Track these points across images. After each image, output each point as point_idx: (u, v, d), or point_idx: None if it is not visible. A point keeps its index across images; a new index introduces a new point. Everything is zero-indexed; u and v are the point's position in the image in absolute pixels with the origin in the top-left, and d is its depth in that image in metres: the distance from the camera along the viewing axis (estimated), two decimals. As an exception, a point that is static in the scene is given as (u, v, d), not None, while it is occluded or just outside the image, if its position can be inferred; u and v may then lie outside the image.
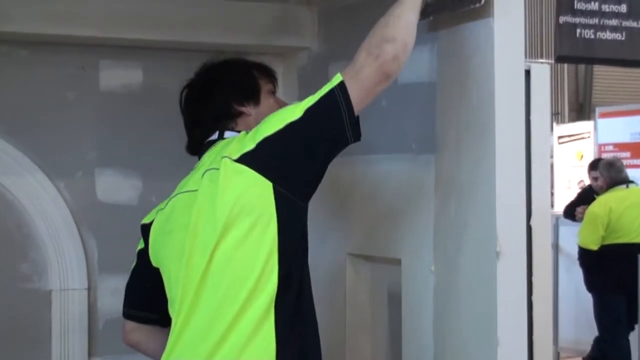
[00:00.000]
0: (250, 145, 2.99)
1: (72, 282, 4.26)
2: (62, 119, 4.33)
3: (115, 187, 4.42)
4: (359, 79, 3.11)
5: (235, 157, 2.99)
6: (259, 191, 2.94)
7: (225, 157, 3.02)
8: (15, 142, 4.21)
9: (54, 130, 4.31)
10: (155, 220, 3.37)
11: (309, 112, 3.07)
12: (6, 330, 4.21)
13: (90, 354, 4.29)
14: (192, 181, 3.29)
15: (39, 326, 4.23)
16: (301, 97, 4.58)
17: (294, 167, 3.02)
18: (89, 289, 4.30)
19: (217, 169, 3.05)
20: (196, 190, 3.14)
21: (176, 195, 3.32)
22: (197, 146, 3.54)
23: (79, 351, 4.26)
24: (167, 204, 3.34)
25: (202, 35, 4.32)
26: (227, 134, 3.32)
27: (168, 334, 3.08)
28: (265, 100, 3.45)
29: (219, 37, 4.37)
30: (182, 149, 4.48)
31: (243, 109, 3.36)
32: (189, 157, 4.52)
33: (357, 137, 3.13)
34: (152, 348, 3.41)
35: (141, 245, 3.45)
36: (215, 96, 3.43)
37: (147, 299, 3.43)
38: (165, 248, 3.25)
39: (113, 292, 4.36)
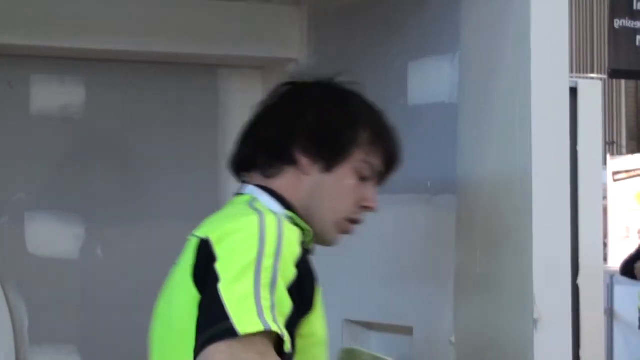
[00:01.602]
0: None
1: (-5, 355, 4.26)
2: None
3: (50, 235, 4.41)
4: None
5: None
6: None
7: (196, 237, 2.94)
8: None
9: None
10: None
11: None
12: None
13: None
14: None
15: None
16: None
17: None
18: (16, 363, 4.29)
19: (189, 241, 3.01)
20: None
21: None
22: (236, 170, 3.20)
23: None
24: None
25: (160, 43, 4.34)
26: (248, 189, 3.08)
27: None
28: (344, 175, 3.01)
29: (180, 46, 4.38)
30: (135, 188, 4.49)
31: (304, 161, 2.96)
32: (148, 195, 4.53)
33: None
34: None
35: None
36: (283, 121, 2.98)
37: None
38: None
39: (46, 372, 4.36)
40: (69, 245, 4.45)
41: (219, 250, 2.76)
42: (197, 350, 2.62)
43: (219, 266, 2.72)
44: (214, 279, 2.68)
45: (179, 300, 2.97)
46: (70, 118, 4.45)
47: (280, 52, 4.51)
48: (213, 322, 2.60)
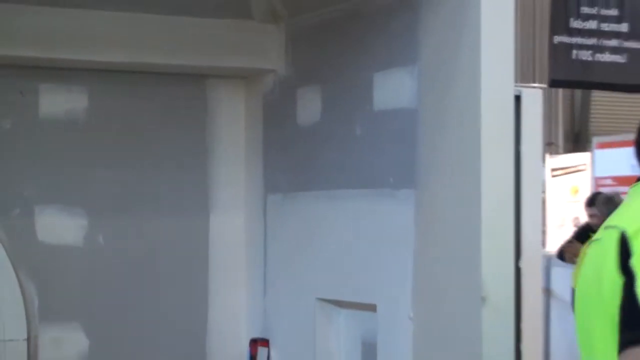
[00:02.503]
0: None
1: (10, 332, 4.25)
2: (-3, 151, 4.33)
3: (57, 226, 4.41)
4: None
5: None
6: None
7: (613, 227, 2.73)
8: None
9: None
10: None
11: None
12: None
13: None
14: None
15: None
16: (266, 126, 4.63)
17: None
18: (28, 339, 4.28)
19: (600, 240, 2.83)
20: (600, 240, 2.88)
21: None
22: None
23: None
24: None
25: (156, 55, 4.33)
26: None
27: None
28: None
29: (172, 58, 4.39)
30: (133, 184, 4.50)
31: None
32: (144, 191, 4.54)
33: None
34: None
35: None
36: None
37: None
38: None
39: (55, 343, 4.36)
40: (73, 235, 4.45)
41: (635, 246, 2.53)
42: (620, 348, 2.48)
43: (635, 263, 2.48)
44: (630, 277, 2.47)
45: (605, 284, 2.63)
46: (74, 122, 4.45)
47: (261, 64, 4.52)
48: (631, 324, 2.43)
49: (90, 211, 4.47)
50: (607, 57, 15.73)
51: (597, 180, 16.13)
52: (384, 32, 3.83)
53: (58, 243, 4.42)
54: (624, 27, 15.74)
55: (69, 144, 4.46)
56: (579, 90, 26.83)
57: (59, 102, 4.44)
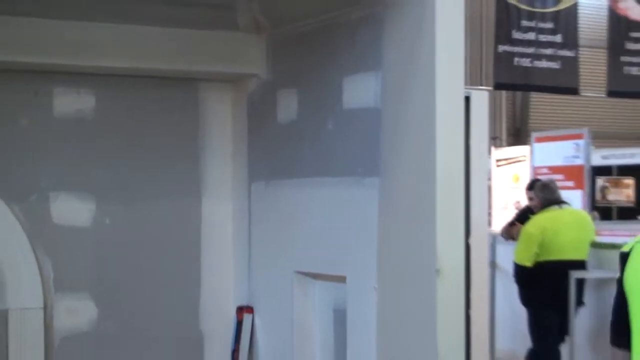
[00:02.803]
0: None
1: (28, 301, 4.24)
2: (16, 144, 4.31)
3: (69, 210, 4.41)
4: None
5: None
6: None
7: None
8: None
9: (8, 155, 4.29)
10: (633, 251, 3.00)
11: None
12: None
13: (46, 372, 4.28)
14: None
15: (-5, 344, 4.21)
16: (250, 124, 4.63)
17: None
18: (44, 307, 4.28)
19: None
20: None
21: None
22: None
23: (35, 367, 4.25)
24: None
25: (155, 62, 4.33)
26: None
27: None
28: None
29: (171, 64, 4.39)
30: (135, 173, 4.49)
31: None
32: (142, 181, 4.53)
33: None
34: None
35: (618, 274, 3.11)
36: None
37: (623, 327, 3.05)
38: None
39: (69, 311, 4.35)
40: (83, 217, 4.44)
41: None
42: None
43: None
44: None
45: None
46: (83, 120, 4.44)
47: (245, 69, 4.52)
48: None
49: (97, 197, 4.46)
50: (543, 64, 15.81)
51: (535, 169, 16.19)
52: (352, 42, 3.84)
53: (70, 224, 4.41)
54: (558, 38, 15.83)
55: (79, 138, 4.45)
56: (519, 92, 26.93)
57: (69, 102, 4.42)
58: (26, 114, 4.34)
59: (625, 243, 3.07)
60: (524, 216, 9.79)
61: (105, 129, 4.48)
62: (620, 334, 3.03)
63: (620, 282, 3.03)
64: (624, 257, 3.02)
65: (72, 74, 4.36)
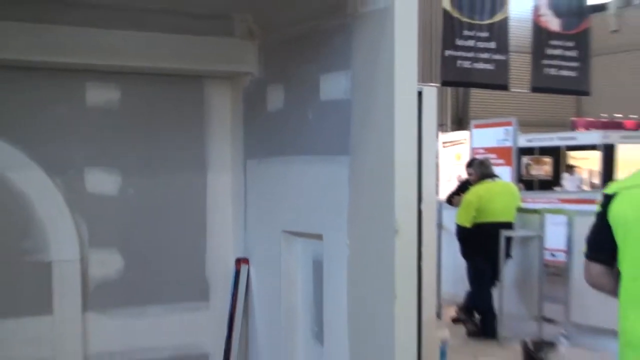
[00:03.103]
0: None
1: (68, 255, 4.25)
2: (57, 129, 4.30)
3: (99, 181, 4.40)
4: None
5: None
6: None
7: None
8: (21, 148, 4.18)
9: (51, 138, 4.27)
10: (619, 195, 3.04)
11: None
12: (16, 294, 4.17)
13: (83, 310, 4.27)
14: None
15: (43, 290, 4.20)
16: (247, 114, 4.63)
17: None
18: (81, 260, 4.28)
19: None
20: None
21: None
22: None
23: (74, 308, 4.25)
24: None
25: (167, 62, 4.32)
26: None
27: (612, 275, 3.05)
28: None
29: (180, 64, 4.36)
30: (152, 152, 4.48)
31: None
32: (158, 158, 4.52)
33: None
34: (605, 284, 3.14)
35: (599, 209, 3.11)
36: None
37: (602, 246, 3.08)
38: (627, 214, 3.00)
39: (100, 263, 4.36)
40: (111, 188, 4.43)
41: None
42: None
43: None
44: None
45: None
46: (110, 109, 4.41)
47: (242, 68, 4.51)
48: None
49: (122, 171, 4.45)
50: (480, 66, 15.90)
51: (473, 150, 16.26)
52: (328, 46, 3.82)
53: (100, 193, 4.40)
54: (492, 45, 15.92)
55: (107, 124, 4.42)
56: (461, 88, 27.01)
57: (99, 95, 4.40)
58: (65, 105, 4.31)
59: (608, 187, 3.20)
60: (464, 187, 9.85)
61: (129, 117, 4.46)
62: (594, 250, 3.12)
63: (602, 215, 3.09)
64: (608, 197, 3.08)
65: (101, 72, 4.33)
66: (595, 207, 3.16)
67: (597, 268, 3.10)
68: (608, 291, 3.15)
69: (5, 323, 4.13)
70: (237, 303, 4.55)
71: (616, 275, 3.05)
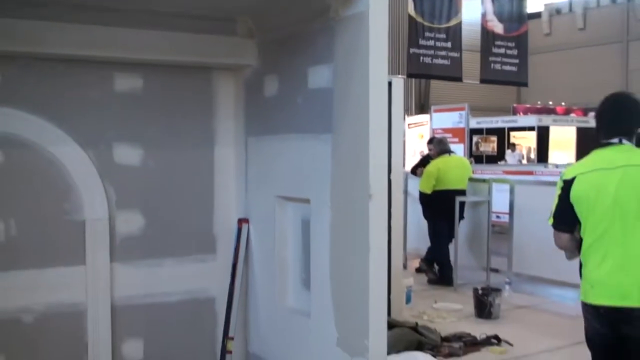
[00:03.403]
0: None
1: (99, 214, 4.20)
2: (90, 110, 4.23)
3: (125, 154, 4.34)
4: None
5: None
6: None
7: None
8: (60, 126, 4.12)
9: (85, 118, 4.21)
10: (577, 179, 3.30)
11: None
12: (55, 247, 4.13)
13: (111, 261, 4.24)
14: (626, 159, 3.26)
15: (77, 244, 4.16)
16: (247, 99, 4.58)
17: None
18: (109, 219, 4.24)
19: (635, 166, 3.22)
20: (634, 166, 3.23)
21: (626, 166, 3.24)
22: (613, 133, 3.33)
23: (104, 259, 4.22)
24: (603, 171, 3.29)
25: (182, 56, 4.26)
26: (625, 141, 3.26)
27: (574, 239, 3.34)
28: None
29: (192, 58, 4.31)
30: (169, 131, 4.43)
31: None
32: (174, 135, 4.47)
33: None
34: (570, 246, 3.41)
35: (560, 191, 3.36)
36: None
37: (567, 220, 3.37)
38: (600, 194, 3.24)
39: (125, 221, 4.32)
40: (134, 159, 4.37)
41: None
42: None
43: None
44: None
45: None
46: (135, 94, 4.35)
47: (243, 61, 4.45)
48: None
49: (144, 146, 4.39)
50: (439, 61, 15.87)
51: (433, 130, 16.21)
52: (314, 44, 3.79)
53: (125, 164, 4.34)
54: (448, 45, 15.89)
55: (132, 107, 4.35)
56: (423, 79, 26.96)
57: (125, 82, 4.32)
58: (97, 90, 4.24)
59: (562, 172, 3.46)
60: (425, 161, 9.84)
61: (150, 101, 4.39)
62: (561, 223, 3.40)
63: (565, 196, 3.34)
64: (568, 182, 3.32)
65: (127, 64, 4.26)
66: (556, 190, 3.42)
67: (565, 236, 3.40)
68: (571, 251, 3.46)
69: (46, 272, 4.09)
70: (239, 255, 4.53)
71: (577, 240, 3.34)
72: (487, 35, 16.98)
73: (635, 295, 3.11)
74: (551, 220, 3.44)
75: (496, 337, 6.42)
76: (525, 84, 18.46)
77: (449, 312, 7.54)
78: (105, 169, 4.25)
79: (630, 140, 3.27)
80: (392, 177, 5.60)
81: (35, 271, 4.06)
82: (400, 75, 7.64)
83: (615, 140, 3.31)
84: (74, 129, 4.15)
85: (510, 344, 6.32)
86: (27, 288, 4.04)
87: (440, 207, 8.71)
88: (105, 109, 4.26)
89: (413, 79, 26.81)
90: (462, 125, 16.24)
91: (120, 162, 4.32)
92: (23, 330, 4.05)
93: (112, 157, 4.29)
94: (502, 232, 9.23)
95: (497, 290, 7.47)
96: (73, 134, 4.15)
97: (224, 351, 4.44)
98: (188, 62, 4.35)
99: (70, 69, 4.13)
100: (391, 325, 6.05)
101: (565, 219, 3.35)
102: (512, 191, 8.70)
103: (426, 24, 15.48)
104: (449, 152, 9.30)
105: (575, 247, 3.37)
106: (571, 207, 3.31)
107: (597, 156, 3.35)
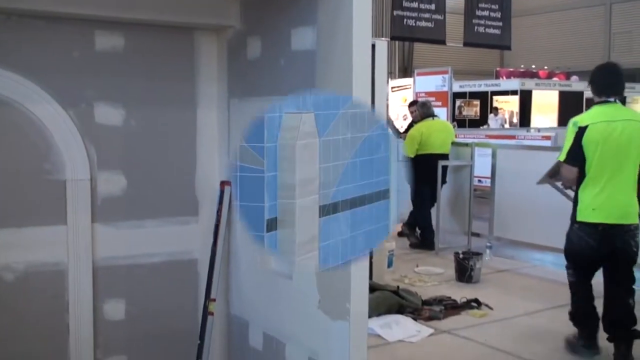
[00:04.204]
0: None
1: (80, 174, 4.19)
2: (71, 69, 4.18)
3: (106, 113, 4.30)
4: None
5: None
6: None
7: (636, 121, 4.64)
8: (40, 84, 4.06)
9: (66, 77, 4.16)
10: (590, 127, 4.65)
11: None
12: (37, 205, 4.12)
13: (92, 222, 4.24)
14: (623, 115, 4.63)
15: (58, 203, 4.15)
16: (230, 61, 4.54)
17: None
18: (90, 179, 4.22)
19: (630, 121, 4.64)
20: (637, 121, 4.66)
21: (624, 120, 4.61)
22: (609, 93, 4.66)
23: (85, 219, 4.21)
24: (608, 123, 4.63)
25: (164, 15, 4.21)
26: (617, 101, 4.62)
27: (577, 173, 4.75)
28: None
29: (174, 18, 4.25)
30: (151, 90, 4.39)
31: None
32: (156, 95, 4.43)
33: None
34: (574, 178, 4.82)
35: (574, 135, 4.69)
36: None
37: (577, 158, 4.75)
38: (606, 140, 4.59)
39: (106, 181, 4.31)
40: (116, 119, 4.33)
41: None
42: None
43: None
44: None
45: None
46: (116, 53, 4.29)
47: (226, 22, 4.40)
48: None
49: (126, 105, 4.34)
50: (423, 24, 15.79)
51: (416, 94, 16.22)
52: (297, 5, 3.75)
53: (107, 124, 4.30)
54: (432, 7, 15.81)
55: (112, 66, 4.29)
56: (407, 42, 26.84)
57: (106, 41, 4.25)
58: (77, 49, 4.17)
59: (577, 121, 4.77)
60: (409, 126, 9.87)
61: (131, 60, 4.33)
62: (572, 159, 4.74)
63: (578, 139, 4.67)
64: (582, 128, 4.65)
65: (108, 22, 4.20)
66: (568, 134, 4.66)
67: (574, 170, 4.71)
68: (572, 181, 4.75)
69: (26, 231, 4.08)
70: (221, 217, 4.54)
71: (579, 174, 4.71)
72: (471, -2, 16.92)
73: (625, 216, 4.57)
74: (563, 157, 4.71)
75: (476, 301, 6.54)
76: (509, 47, 18.44)
77: (430, 276, 7.65)
78: (86, 129, 4.21)
79: (619, 100, 4.49)
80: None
81: (15, 230, 4.06)
82: (383, 38, 7.61)
83: (611, 99, 4.56)
84: (54, 88, 4.10)
85: (491, 308, 6.45)
86: (7, 246, 4.04)
87: (423, 172, 8.77)
88: (86, 68, 4.21)
89: (397, 42, 26.70)
90: (445, 89, 16.26)
91: (102, 121, 4.28)
92: (4, 289, 4.05)
93: (93, 116, 4.24)
94: (484, 196, 9.32)
95: (478, 254, 7.58)
96: (53, 93, 4.10)
97: (206, 313, 4.47)
98: (170, 22, 4.30)
99: (51, 26, 4.06)
100: (373, 288, 6.14)
101: (576, 156, 4.64)
102: (494, 155, 8.76)
103: (410, -15, 15.39)
104: (433, 115, 9.34)
105: (576, 180, 4.66)
106: (581, 148, 4.57)
107: (599, 111, 4.58)
